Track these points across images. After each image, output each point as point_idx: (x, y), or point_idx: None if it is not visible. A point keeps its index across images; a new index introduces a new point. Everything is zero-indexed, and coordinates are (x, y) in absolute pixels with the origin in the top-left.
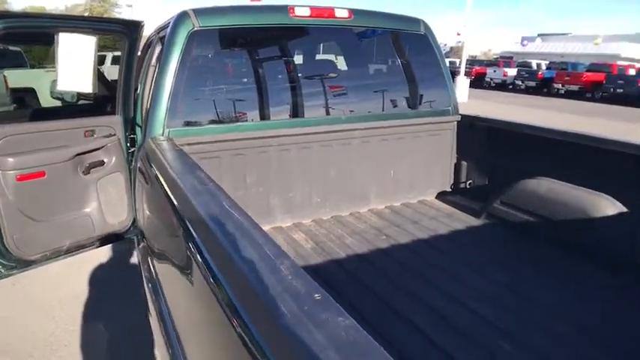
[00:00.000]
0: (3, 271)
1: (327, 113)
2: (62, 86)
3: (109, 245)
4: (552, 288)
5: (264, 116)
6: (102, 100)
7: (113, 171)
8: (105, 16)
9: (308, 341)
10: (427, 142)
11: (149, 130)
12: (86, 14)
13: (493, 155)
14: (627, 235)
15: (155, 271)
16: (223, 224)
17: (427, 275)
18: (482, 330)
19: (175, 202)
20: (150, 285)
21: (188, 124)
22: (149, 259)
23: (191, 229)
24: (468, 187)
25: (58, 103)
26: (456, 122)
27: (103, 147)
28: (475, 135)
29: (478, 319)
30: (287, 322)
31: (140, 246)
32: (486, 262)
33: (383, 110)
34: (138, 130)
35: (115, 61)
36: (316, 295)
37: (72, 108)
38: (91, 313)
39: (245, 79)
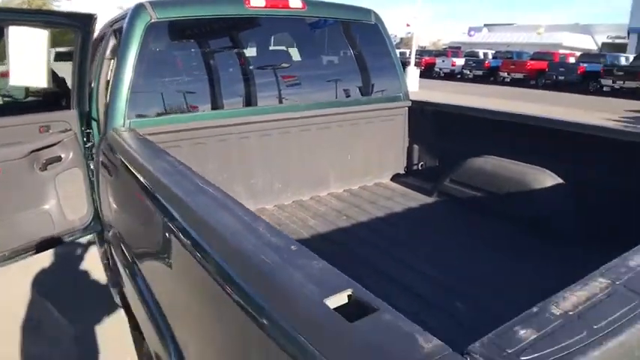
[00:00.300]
0: None
1: (280, 102)
2: (14, 81)
3: (70, 243)
4: (495, 254)
5: (222, 105)
6: (52, 96)
7: (71, 166)
8: (44, 9)
9: (290, 280)
10: (381, 127)
11: (110, 122)
12: (24, 7)
13: (442, 137)
14: (563, 204)
15: (132, 256)
16: (199, 198)
17: (385, 248)
18: (439, 294)
19: (149, 185)
20: (127, 270)
21: (148, 115)
22: (122, 246)
23: (169, 207)
24: (420, 168)
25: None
26: (407, 108)
27: (59, 142)
28: (425, 119)
29: (435, 285)
30: (271, 268)
31: (107, 238)
32: (438, 234)
33: (337, 98)
34: (94, 124)
35: (59, 57)
36: (292, 247)
37: (22, 104)
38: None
39: (203, 70)
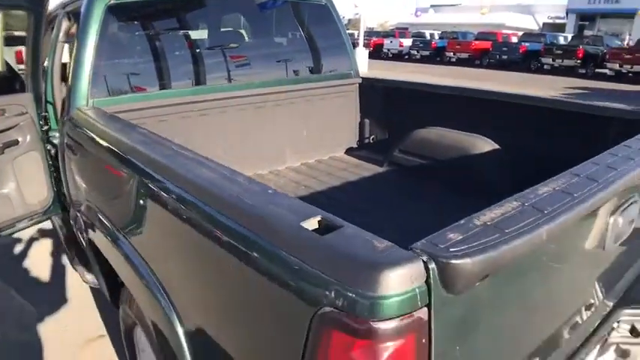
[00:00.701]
0: None
1: (232, 81)
2: None
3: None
4: (424, 207)
5: (183, 84)
6: (5, 80)
7: (29, 150)
8: None
9: (271, 212)
10: (333, 103)
11: (73, 102)
12: None
13: (391, 112)
14: (498, 166)
15: (113, 224)
16: (178, 159)
17: (342, 213)
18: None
19: (126, 154)
20: (109, 238)
21: (111, 94)
22: (100, 218)
23: (149, 170)
24: (371, 141)
25: None
26: (357, 84)
27: (15, 126)
28: (375, 95)
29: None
30: (253, 206)
31: (73, 217)
32: (389, 199)
33: (288, 76)
34: (50, 107)
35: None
36: (269, 191)
37: None
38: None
39: (161, 49)
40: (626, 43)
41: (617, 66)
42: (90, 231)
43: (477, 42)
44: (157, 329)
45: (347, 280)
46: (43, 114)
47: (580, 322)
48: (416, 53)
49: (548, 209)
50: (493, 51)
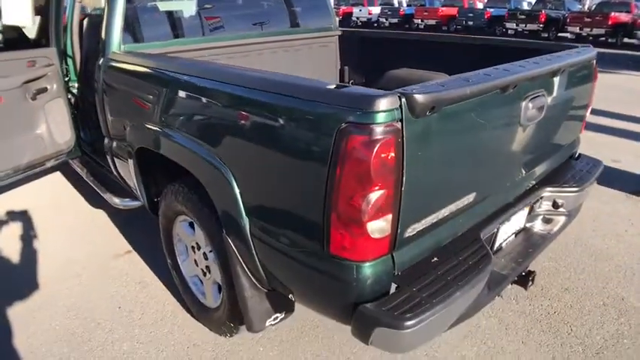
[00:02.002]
0: None
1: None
2: (5, 20)
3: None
4: None
5: (202, 32)
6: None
7: (55, 97)
8: None
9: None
10: (317, 52)
11: (107, 49)
12: None
13: (367, 58)
14: None
15: (166, 129)
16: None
17: None
18: None
19: (185, 79)
20: (166, 138)
21: (138, 41)
22: (153, 129)
23: (199, 76)
24: (351, 85)
25: None
26: (337, 36)
27: (44, 75)
28: (353, 45)
29: None
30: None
31: (112, 146)
32: None
33: (281, 28)
34: (70, 60)
35: None
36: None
37: (9, 43)
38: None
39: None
40: (587, 7)
41: (577, 29)
42: (129, 151)
43: (443, 9)
44: (216, 192)
45: (358, 105)
46: (64, 67)
47: (511, 182)
48: (384, 21)
49: (473, 79)
50: (459, 17)
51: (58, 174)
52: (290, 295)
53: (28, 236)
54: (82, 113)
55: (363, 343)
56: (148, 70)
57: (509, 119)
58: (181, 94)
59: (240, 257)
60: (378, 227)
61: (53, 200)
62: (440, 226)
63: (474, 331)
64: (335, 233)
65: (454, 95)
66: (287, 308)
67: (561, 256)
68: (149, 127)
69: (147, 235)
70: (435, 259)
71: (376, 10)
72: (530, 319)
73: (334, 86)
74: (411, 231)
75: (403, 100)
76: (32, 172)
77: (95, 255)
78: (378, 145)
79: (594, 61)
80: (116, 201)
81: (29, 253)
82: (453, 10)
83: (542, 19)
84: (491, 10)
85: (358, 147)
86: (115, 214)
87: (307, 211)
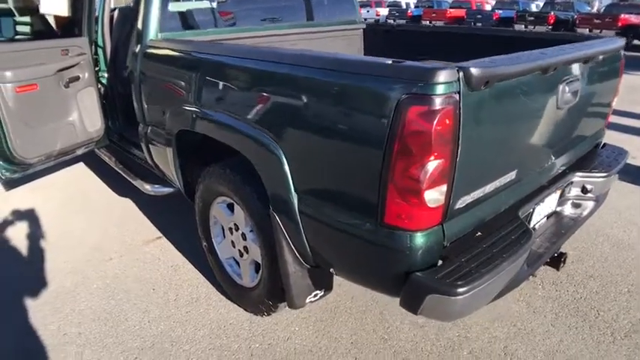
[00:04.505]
0: (7, 174)
1: (277, 21)
2: (43, 9)
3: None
4: None
5: (235, 23)
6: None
7: (87, 85)
8: None
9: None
10: (343, 43)
11: (144, 36)
12: None
13: (389, 50)
14: None
15: (208, 111)
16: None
17: None
18: None
19: (233, 61)
20: (211, 119)
21: (175, 29)
22: (197, 112)
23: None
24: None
25: None
26: (362, 30)
27: (77, 64)
28: (377, 37)
29: None
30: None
31: (147, 132)
32: None
33: (313, 20)
34: (100, 51)
35: None
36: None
37: (44, 32)
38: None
39: None
40: (595, 9)
41: (586, 31)
42: (167, 136)
43: (451, 10)
44: (265, 170)
45: (419, 78)
46: (94, 56)
47: (546, 164)
48: (392, 22)
49: (521, 58)
50: (468, 19)
51: (81, 164)
52: (331, 269)
53: (58, 223)
54: (110, 103)
55: (411, 312)
56: (192, 54)
57: (548, 101)
58: (230, 76)
59: (286, 233)
60: (434, 197)
61: (81, 189)
62: (484, 201)
63: (503, 314)
64: (391, 203)
65: (506, 71)
66: (326, 286)
67: (584, 245)
68: (193, 110)
69: (176, 222)
70: (479, 233)
71: (384, 11)
72: (558, 304)
73: (391, 61)
74: (460, 203)
75: (461, 73)
76: (63, 159)
77: (125, 241)
78: (438, 116)
79: (622, 51)
80: (147, 187)
81: (61, 239)
82: (461, 12)
83: (551, 21)
84: (500, 11)
85: (419, 117)
86: (142, 201)
87: (361, 183)
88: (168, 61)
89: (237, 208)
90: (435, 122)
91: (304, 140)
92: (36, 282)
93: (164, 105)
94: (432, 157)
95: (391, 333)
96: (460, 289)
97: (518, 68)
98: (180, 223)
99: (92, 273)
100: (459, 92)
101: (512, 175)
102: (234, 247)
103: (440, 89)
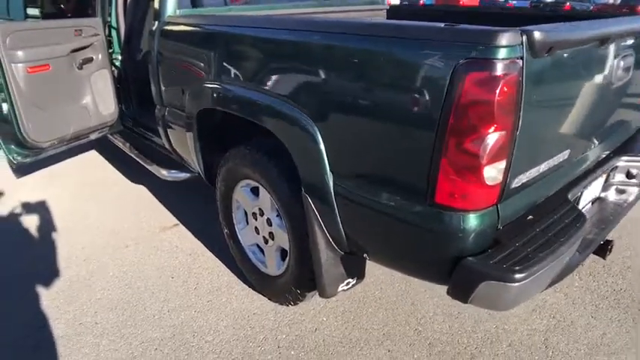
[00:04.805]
0: (19, 159)
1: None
2: None
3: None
4: None
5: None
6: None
7: (101, 67)
8: None
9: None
10: None
11: (162, 13)
12: None
13: None
14: None
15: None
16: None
17: None
18: None
19: (262, 33)
20: (236, 95)
21: (193, 5)
22: (225, 88)
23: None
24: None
25: None
26: (385, 10)
27: (90, 45)
28: (402, 19)
29: None
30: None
31: (165, 114)
32: None
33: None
34: (114, 32)
35: None
36: None
37: (58, 12)
38: None
39: None
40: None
41: None
42: (187, 118)
43: (465, 0)
44: (298, 149)
45: (479, 41)
46: (107, 38)
47: (594, 146)
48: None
49: (582, 26)
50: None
51: (93, 152)
52: (364, 255)
53: (72, 210)
54: (124, 86)
55: (460, 301)
56: (214, 27)
57: (602, 76)
58: (258, 50)
59: (319, 217)
60: (492, 174)
61: (95, 177)
62: (538, 182)
63: (541, 306)
64: (444, 180)
65: (568, 38)
66: (359, 274)
67: (620, 236)
68: (217, 87)
69: (193, 209)
70: (530, 217)
71: (395, 1)
72: (597, 295)
73: (444, 24)
74: (516, 182)
75: (524, 36)
76: (77, 144)
77: (142, 228)
78: (501, 82)
79: None
80: (164, 173)
81: (75, 227)
82: (475, 1)
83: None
84: (514, 1)
85: (478, 85)
86: (156, 188)
87: (408, 159)
88: (188, 37)
89: (262, 191)
90: (497, 89)
91: (343, 115)
92: (50, 270)
93: (184, 84)
94: (493, 130)
95: (425, 324)
96: (518, 275)
97: (580, 36)
98: (197, 209)
99: (108, 261)
100: (522, 57)
101: (565, 155)
102: (258, 233)
103: (502, 53)
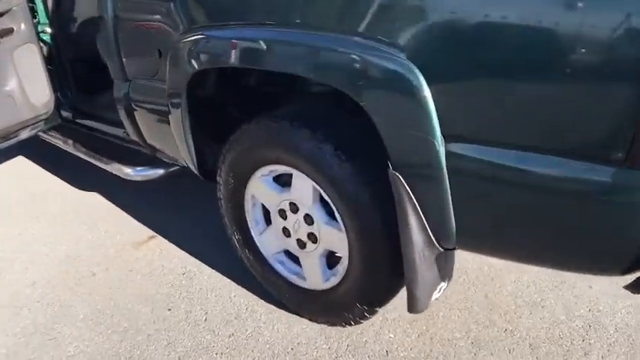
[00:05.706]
0: None
1: None
2: None
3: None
4: None
5: None
6: None
7: (26, 41)
8: None
9: None
10: None
11: None
12: None
13: None
14: None
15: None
16: None
17: None
18: None
19: None
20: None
21: None
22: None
23: None
24: None
25: None
26: None
27: (9, 11)
28: None
29: None
30: None
31: (129, 92)
32: None
33: None
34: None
35: None
36: None
37: None
38: None
39: None
40: None
41: None
42: (170, 90)
43: None
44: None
45: None
46: (29, 4)
47: None
48: None
49: None
50: None
51: (20, 157)
52: (477, 250)
53: (9, 237)
54: (58, 67)
55: None
56: None
57: None
58: None
59: (418, 203)
60: None
61: (31, 189)
62: None
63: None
64: None
65: None
66: (450, 274)
67: None
68: (235, 35)
69: (171, 210)
70: None
71: None
72: None
73: None
74: None
75: None
76: (2, 147)
77: (107, 247)
78: None
79: None
80: (128, 171)
81: (16, 258)
82: None
83: None
84: None
85: None
86: (114, 194)
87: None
88: None
89: (297, 179)
90: None
91: (471, 52)
92: None
93: (161, 43)
94: None
95: (512, 321)
96: None
97: None
98: (178, 210)
99: (72, 298)
100: None
101: None
102: (288, 235)
103: None
